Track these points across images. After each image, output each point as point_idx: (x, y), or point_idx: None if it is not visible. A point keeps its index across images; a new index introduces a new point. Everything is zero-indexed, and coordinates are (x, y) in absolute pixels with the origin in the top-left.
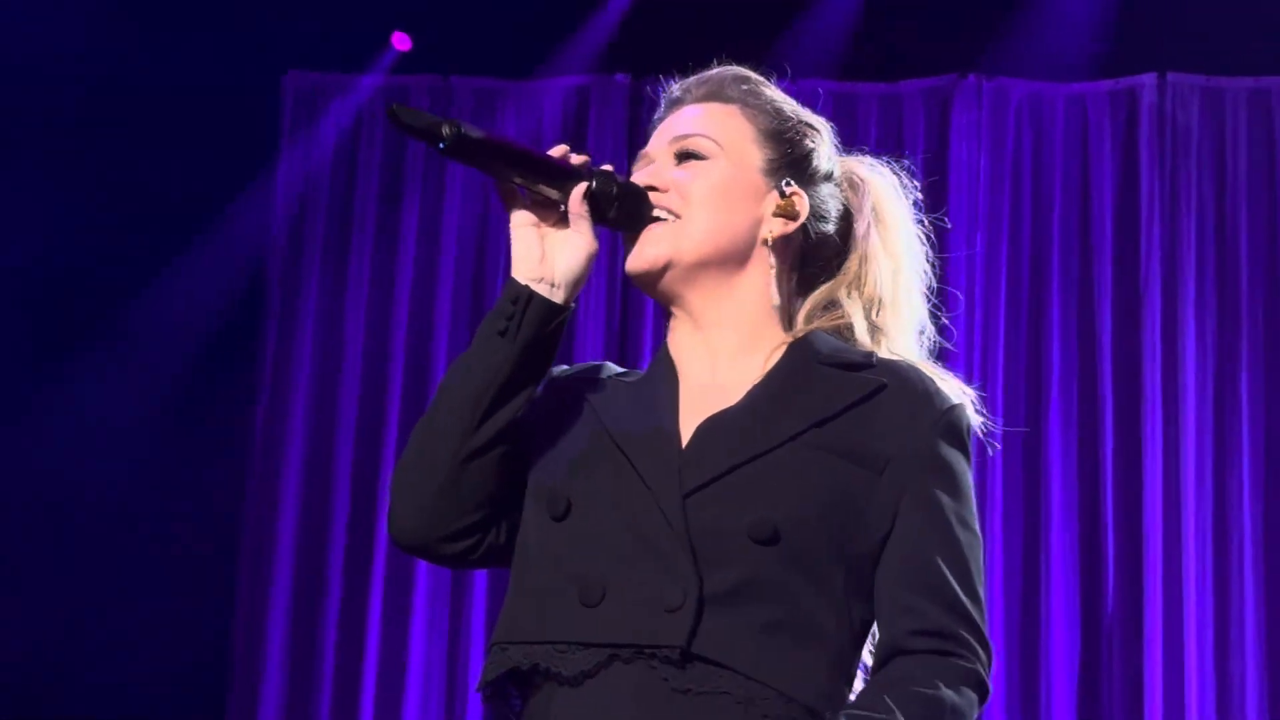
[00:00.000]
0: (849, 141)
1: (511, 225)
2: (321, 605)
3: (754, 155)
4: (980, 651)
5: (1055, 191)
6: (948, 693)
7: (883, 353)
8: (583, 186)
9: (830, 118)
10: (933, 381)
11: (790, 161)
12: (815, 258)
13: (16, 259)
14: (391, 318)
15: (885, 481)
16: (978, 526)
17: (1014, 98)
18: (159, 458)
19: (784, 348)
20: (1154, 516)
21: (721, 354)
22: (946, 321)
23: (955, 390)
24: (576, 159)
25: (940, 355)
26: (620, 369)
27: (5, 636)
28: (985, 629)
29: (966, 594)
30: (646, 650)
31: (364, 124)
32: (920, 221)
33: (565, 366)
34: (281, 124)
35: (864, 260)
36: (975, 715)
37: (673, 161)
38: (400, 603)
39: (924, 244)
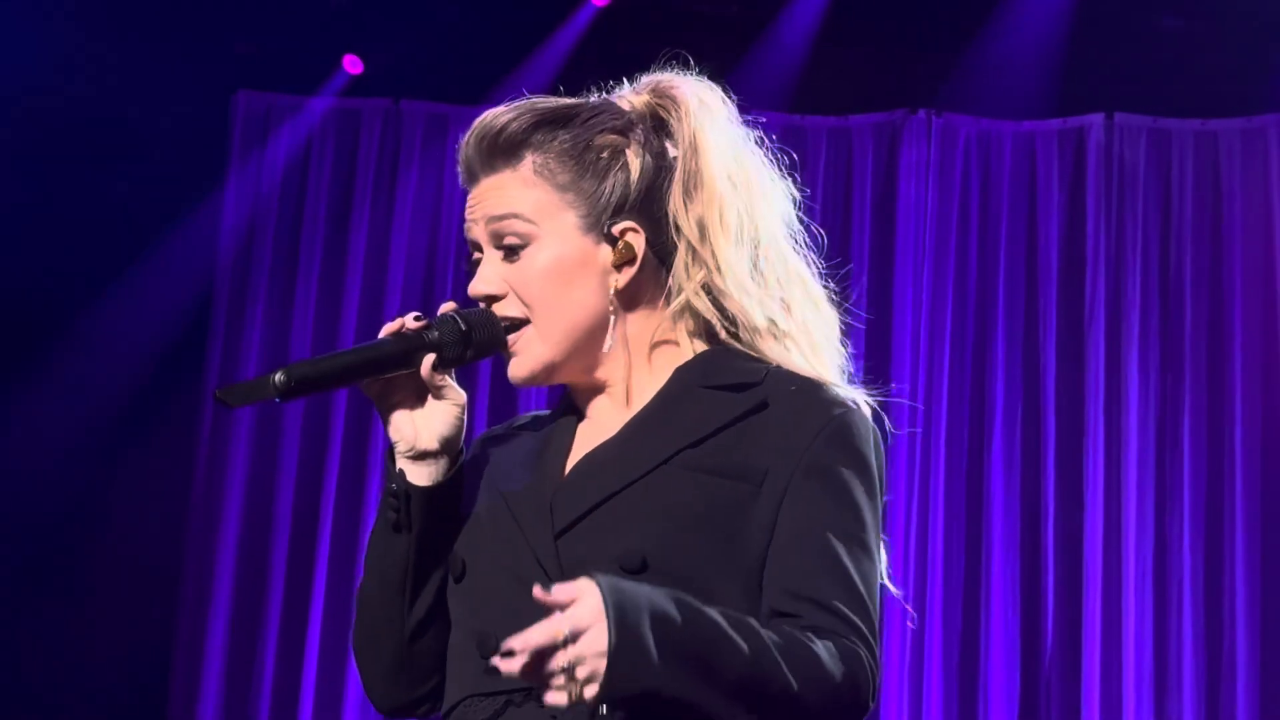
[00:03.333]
0: (797, 174)
1: (379, 410)
2: (262, 625)
3: (567, 216)
4: (861, 643)
5: (1002, 229)
6: (824, 653)
7: (777, 352)
8: (428, 361)
9: (778, 150)
10: (821, 390)
11: (606, 195)
12: (672, 245)
13: None
14: (338, 339)
15: (765, 492)
16: (869, 534)
17: (963, 134)
18: (103, 472)
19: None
20: (1094, 554)
21: (626, 395)
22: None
23: (849, 396)
24: (413, 325)
25: (876, 368)
26: (548, 412)
27: None
28: (869, 631)
29: (846, 594)
30: (535, 692)
31: (314, 146)
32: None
33: (500, 426)
34: (231, 144)
35: (681, 229)
36: (859, 700)
37: (498, 254)
38: (342, 618)
39: (750, 151)
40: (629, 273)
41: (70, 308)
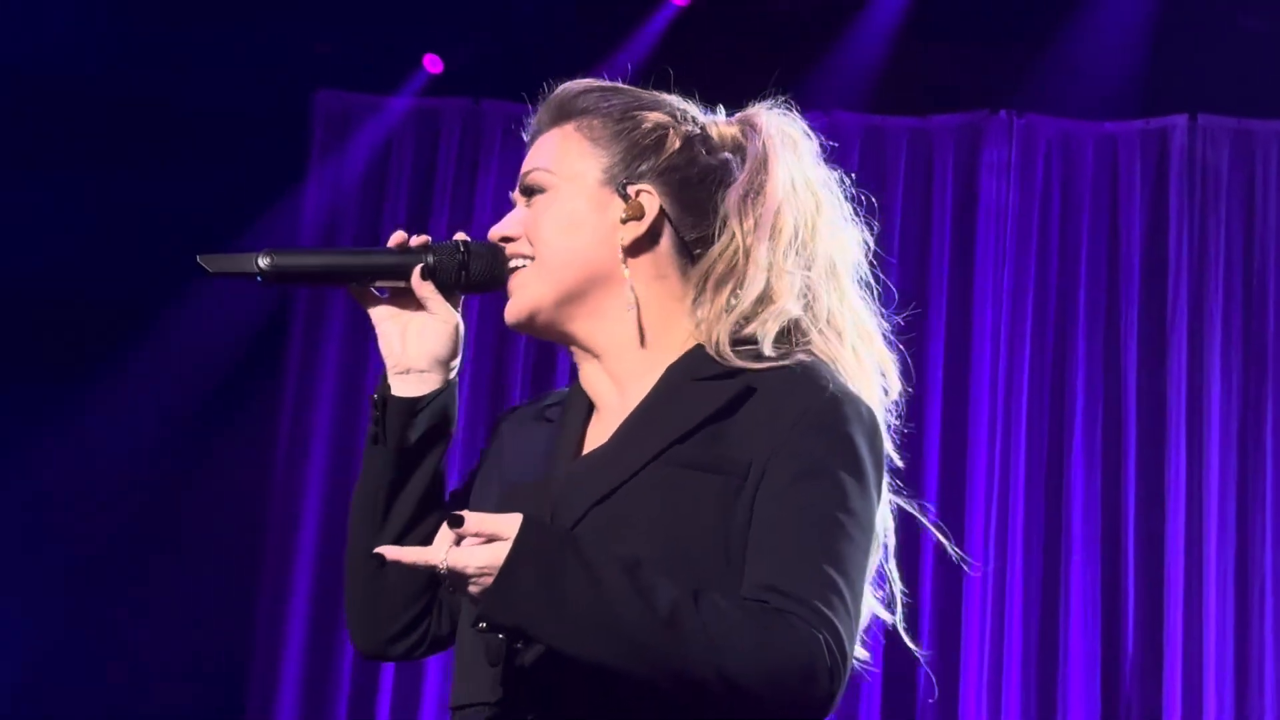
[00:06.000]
0: (878, 175)
1: (373, 322)
2: (340, 624)
3: (590, 168)
4: (825, 630)
5: (1083, 230)
6: (771, 634)
7: (772, 322)
8: (418, 270)
9: (859, 151)
10: (811, 377)
11: (633, 157)
12: (708, 241)
13: (44, 277)
14: None
15: (749, 483)
16: (851, 520)
17: (1044, 135)
18: (183, 471)
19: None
20: (1175, 556)
21: (625, 377)
22: (885, 284)
23: (854, 383)
24: (415, 240)
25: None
26: (557, 397)
27: (21, 650)
28: (839, 616)
29: (814, 581)
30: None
31: (394, 145)
32: (836, 169)
33: (515, 407)
34: (311, 144)
35: (733, 223)
36: (815, 689)
37: (523, 201)
38: None
39: (827, 187)
40: (634, 230)
41: (151, 306)
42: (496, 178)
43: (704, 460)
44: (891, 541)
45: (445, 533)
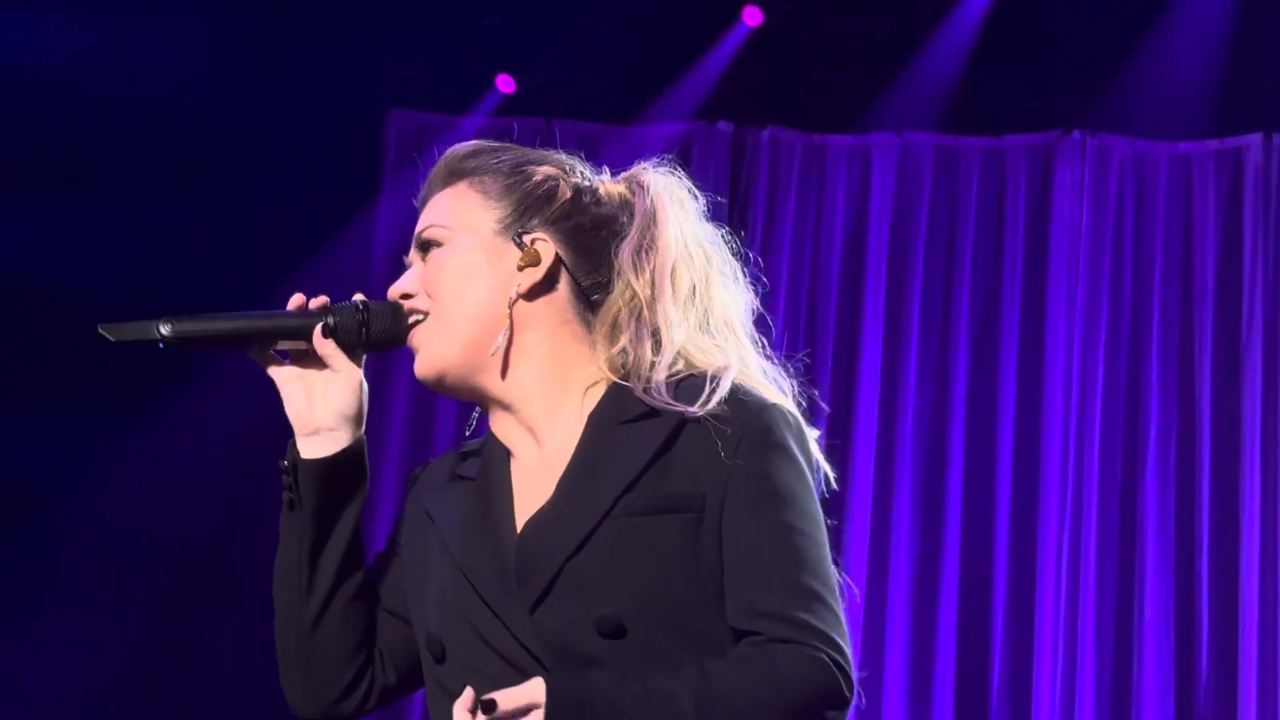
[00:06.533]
0: (950, 195)
1: (277, 385)
2: None
3: (485, 220)
4: (823, 643)
5: (1157, 250)
6: (784, 676)
7: (725, 378)
8: (319, 329)
9: (932, 170)
10: (738, 400)
11: (526, 208)
12: (603, 286)
13: (116, 294)
14: None
15: (708, 515)
16: (810, 524)
17: (1117, 155)
18: (242, 496)
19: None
20: (1250, 579)
21: (539, 425)
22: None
23: (766, 394)
24: (315, 302)
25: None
26: (470, 448)
27: (83, 675)
28: (829, 625)
29: (798, 597)
30: None
31: None
32: (721, 227)
33: (427, 463)
34: (384, 162)
35: (628, 275)
36: (833, 702)
37: (420, 258)
38: None
39: (715, 244)
40: (531, 276)
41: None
42: None
43: (657, 503)
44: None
45: (465, 711)
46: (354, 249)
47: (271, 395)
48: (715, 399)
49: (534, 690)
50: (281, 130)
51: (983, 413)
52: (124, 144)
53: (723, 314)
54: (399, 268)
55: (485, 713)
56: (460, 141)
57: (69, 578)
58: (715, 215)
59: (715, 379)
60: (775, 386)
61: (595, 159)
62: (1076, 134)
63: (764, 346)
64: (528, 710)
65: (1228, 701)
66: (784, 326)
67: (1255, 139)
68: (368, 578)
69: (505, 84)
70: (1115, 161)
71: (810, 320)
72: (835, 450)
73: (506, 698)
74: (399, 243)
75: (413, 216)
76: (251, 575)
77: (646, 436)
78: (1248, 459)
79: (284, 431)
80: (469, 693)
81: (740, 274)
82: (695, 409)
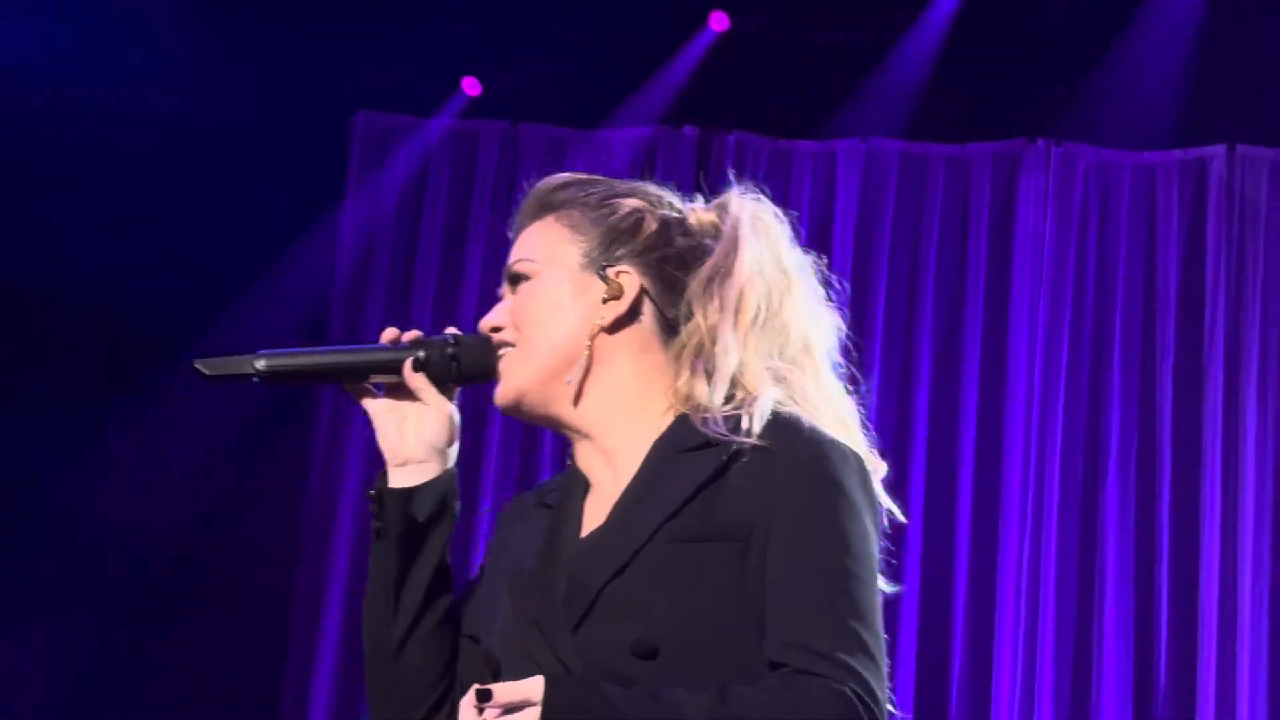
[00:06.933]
0: (915, 202)
1: (370, 416)
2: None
3: (571, 254)
4: (853, 680)
5: (1120, 260)
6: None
7: (760, 407)
8: (409, 363)
9: (897, 177)
10: (793, 431)
11: (612, 241)
12: (686, 317)
13: (82, 296)
14: None
15: (753, 545)
16: (857, 563)
17: (1082, 164)
18: (216, 495)
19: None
20: (1210, 591)
21: (616, 454)
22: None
23: (825, 426)
24: (407, 336)
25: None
26: (558, 479)
27: (57, 669)
28: (864, 664)
29: (835, 633)
30: None
31: (431, 167)
32: (811, 253)
33: (521, 494)
34: (350, 164)
35: (702, 302)
36: None
37: (510, 292)
38: None
39: (800, 268)
40: (615, 309)
41: (188, 325)
42: None
43: (702, 531)
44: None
45: (469, 705)
46: (320, 249)
47: (247, 396)
48: (756, 428)
49: (532, 687)
50: (248, 130)
51: (945, 420)
52: (88, 146)
53: (801, 340)
54: (364, 268)
55: (480, 701)
56: (426, 144)
57: (45, 576)
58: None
59: (776, 414)
60: (841, 416)
61: (561, 162)
62: (1041, 142)
63: (851, 372)
64: (523, 705)
65: (1186, 710)
66: None
67: (1219, 150)
68: (453, 605)
69: (471, 87)
70: (1079, 170)
71: None
72: None
73: (503, 690)
74: (365, 243)
75: (377, 219)
76: (229, 575)
77: (699, 465)
78: (1208, 469)
79: (239, 446)
80: (473, 688)
81: (828, 298)
82: (745, 439)
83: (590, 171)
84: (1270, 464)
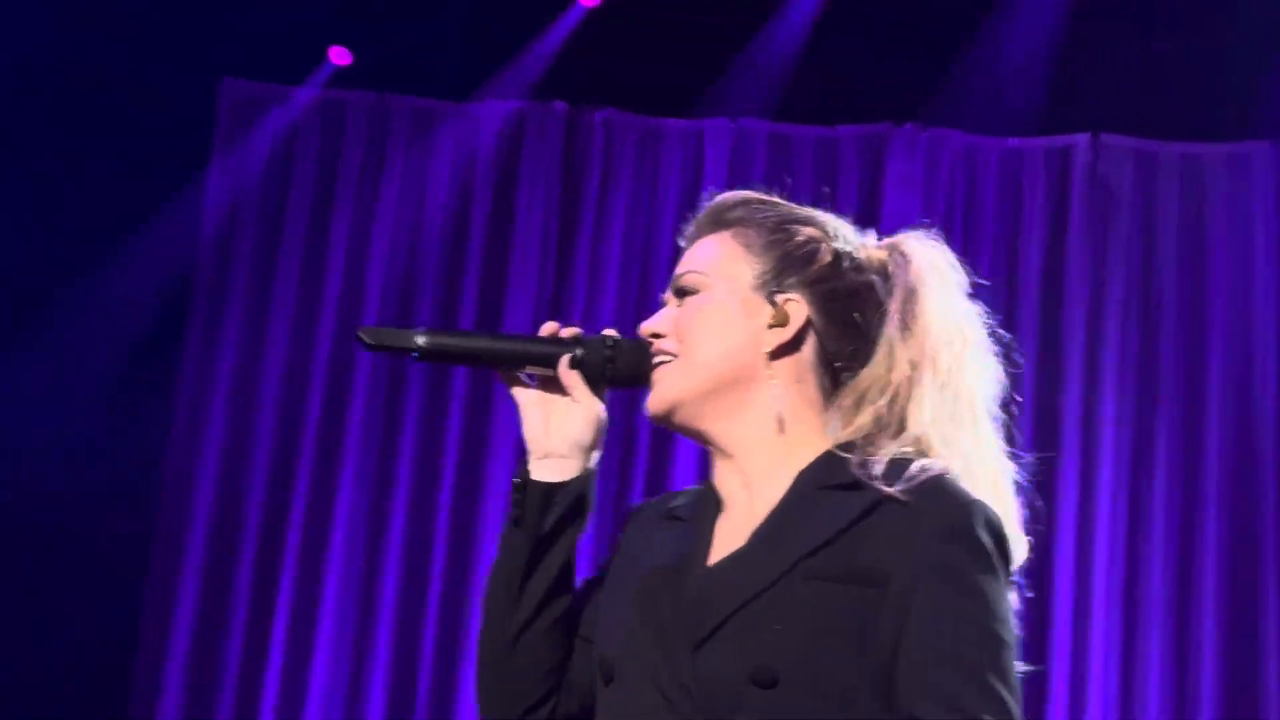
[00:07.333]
0: (782, 182)
1: (518, 406)
2: (227, 618)
3: (744, 274)
4: None
5: (984, 244)
6: None
7: (923, 452)
8: (565, 359)
9: (765, 157)
10: (941, 489)
11: (785, 267)
12: (848, 355)
13: None
14: (316, 330)
15: (890, 594)
16: (1002, 627)
17: (949, 149)
18: (77, 461)
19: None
20: (1065, 579)
21: (755, 478)
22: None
23: (977, 489)
24: (567, 332)
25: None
26: (690, 491)
27: None
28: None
29: (978, 692)
30: None
31: (298, 137)
32: (978, 303)
33: (650, 500)
34: (216, 131)
35: (887, 351)
36: None
37: (675, 300)
38: (306, 619)
39: (973, 322)
40: (779, 336)
41: (49, 289)
42: (401, 173)
43: (838, 572)
44: None
45: None
46: (185, 215)
47: (87, 362)
48: (917, 484)
49: None
50: (113, 92)
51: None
52: None
53: (970, 399)
54: (229, 235)
55: None
56: (293, 113)
57: None
58: (548, 197)
59: (926, 468)
60: (995, 480)
61: (429, 135)
62: (909, 126)
63: (1008, 428)
64: None
65: (1037, 697)
66: (615, 311)
67: (1083, 138)
68: (573, 604)
69: (339, 56)
70: (946, 155)
71: (640, 307)
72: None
73: None
74: (230, 211)
75: (243, 186)
76: (82, 553)
77: (843, 505)
78: (1066, 457)
79: (98, 402)
80: None
81: (994, 353)
82: (896, 490)
83: (458, 145)
84: (1127, 451)
